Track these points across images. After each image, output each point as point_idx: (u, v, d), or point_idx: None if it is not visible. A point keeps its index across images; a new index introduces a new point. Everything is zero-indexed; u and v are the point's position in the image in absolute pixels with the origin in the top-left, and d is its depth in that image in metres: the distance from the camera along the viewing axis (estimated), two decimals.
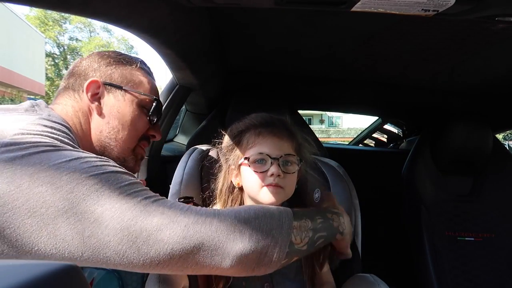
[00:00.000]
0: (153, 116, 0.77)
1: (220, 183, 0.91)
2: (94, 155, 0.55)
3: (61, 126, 0.61)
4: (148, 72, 0.79)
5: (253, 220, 0.57)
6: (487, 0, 0.56)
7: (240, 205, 0.89)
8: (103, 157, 0.56)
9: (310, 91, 1.67)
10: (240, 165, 0.84)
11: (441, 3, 0.56)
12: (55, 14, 18.41)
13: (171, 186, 1.00)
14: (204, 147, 1.18)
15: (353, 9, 0.60)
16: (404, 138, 2.25)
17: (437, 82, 1.43)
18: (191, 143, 1.24)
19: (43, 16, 18.64)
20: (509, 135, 11.85)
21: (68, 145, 0.56)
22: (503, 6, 0.60)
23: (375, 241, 1.47)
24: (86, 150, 0.66)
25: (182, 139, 1.67)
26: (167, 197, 0.99)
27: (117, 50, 0.80)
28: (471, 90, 1.50)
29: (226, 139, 0.92)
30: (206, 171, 1.09)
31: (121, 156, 0.73)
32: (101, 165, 0.52)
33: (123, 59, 0.75)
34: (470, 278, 1.46)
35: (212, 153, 1.17)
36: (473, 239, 1.52)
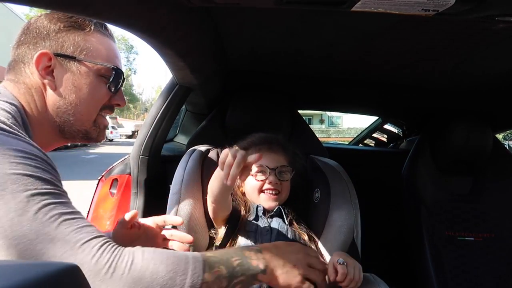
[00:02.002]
0: (114, 85, 0.72)
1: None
2: (23, 152, 0.50)
3: (10, 105, 0.58)
4: (105, 35, 0.73)
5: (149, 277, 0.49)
6: (487, 0, 0.56)
7: (243, 206, 1.01)
8: (36, 157, 0.51)
9: (310, 91, 1.67)
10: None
11: (441, 3, 0.56)
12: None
13: (171, 186, 1.00)
14: (204, 147, 1.18)
15: (353, 9, 0.60)
16: (404, 138, 2.25)
17: (437, 82, 1.43)
18: (191, 143, 1.24)
19: None
20: (509, 135, 11.85)
21: (11, 127, 0.53)
22: (503, 6, 0.60)
23: (375, 241, 1.47)
24: (45, 129, 0.67)
25: (182, 139, 1.67)
26: (167, 197, 1.00)
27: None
28: (471, 90, 1.50)
29: None
30: (207, 171, 1.09)
31: (82, 129, 0.70)
32: (19, 163, 0.48)
33: (74, 23, 0.67)
34: (470, 278, 1.46)
35: (212, 154, 1.17)
36: (473, 239, 1.52)
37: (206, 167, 1.10)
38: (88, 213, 1.24)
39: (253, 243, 0.92)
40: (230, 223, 0.95)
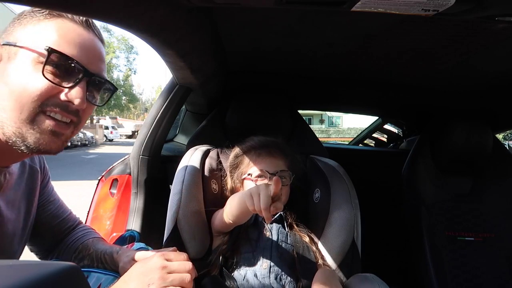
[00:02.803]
0: (53, 73, 0.58)
1: (229, 193, 1.08)
2: None
3: None
4: (68, 18, 0.61)
5: None
6: (487, 0, 0.56)
7: None
8: None
9: (310, 91, 1.67)
10: (243, 179, 1.05)
11: (441, 3, 0.56)
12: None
13: (172, 186, 1.00)
14: (204, 147, 1.18)
15: (353, 9, 0.60)
16: (404, 138, 2.25)
17: (437, 82, 1.43)
18: (191, 143, 1.24)
19: None
20: (509, 135, 11.85)
21: None
22: (503, 6, 0.59)
23: (375, 241, 1.47)
24: None
25: (182, 139, 1.67)
26: (167, 197, 1.00)
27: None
28: (471, 90, 1.50)
29: (231, 158, 1.11)
30: (207, 171, 1.09)
31: (17, 131, 0.58)
32: None
33: (36, 11, 0.60)
34: (470, 278, 1.46)
35: (213, 154, 1.17)
36: (473, 239, 1.52)
37: (206, 167, 1.10)
38: (88, 213, 1.24)
39: (253, 251, 0.92)
40: (233, 231, 0.95)
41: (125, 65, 28.37)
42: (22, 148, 0.60)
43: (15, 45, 0.58)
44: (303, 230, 1.02)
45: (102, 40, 0.68)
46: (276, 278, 0.87)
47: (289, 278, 0.88)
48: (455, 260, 1.48)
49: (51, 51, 0.57)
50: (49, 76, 0.58)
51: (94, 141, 18.51)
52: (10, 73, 0.58)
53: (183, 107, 1.65)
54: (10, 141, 0.59)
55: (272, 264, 0.89)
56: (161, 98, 1.24)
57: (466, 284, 1.45)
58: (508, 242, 1.51)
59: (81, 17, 0.63)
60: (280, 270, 0.89)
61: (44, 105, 0.59)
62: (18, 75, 0.58)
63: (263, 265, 0.89)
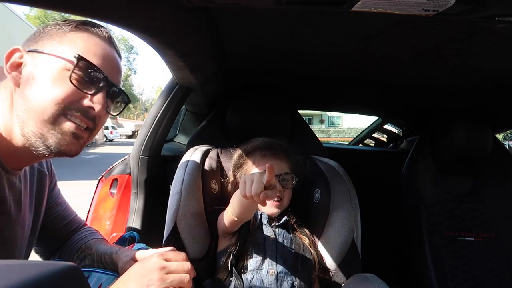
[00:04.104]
0: (79, 80, 0.62)
1: (231, 192, 1.05)
2: None
3: None
4: (93, 33, 0.66)
5: None
6: (487, 0, 0.56)
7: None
8: None
9: (310, 91, 1.67)
10: None
11: (441, 3, 0.56)
12: (55, 14, 18.37)
13: (172, 186, 1.00)
14: (204, 147, 1.18)
15: (353, 9, 0.60)
16: (404, 138, 2.25)
17: (437, 82, 1.43)
18: (191, 143, 1.24)
19: (43, 16, 18.62)
20: (509, 135, 11.85)
21: None
22: (503, 6, 0.59)
23: (375, 241, 1.47)
24: (7, 135, 0.61)
25: (182, 139, 1.67)
26: (167, 197, 1.00)
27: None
28: (471, 90, 1.50)
29: (235, 158, 1.10)
30: (207, 171, 1.09)
31: (37, 132, 0.61)
32: None
33: (62, 24, 0.65)
34: (470, 278, 1.46)
35: (213, 154, 1.17)
36: (473, 239, 1.52)
37: (206, 167, 1.10)
38: (88, 213, 1.24)
39: (260, 256, 0.93)
40: (241, 232, 0.96)
41: (125, 65, 28.41)
42: (41, 149, 0.62)
43: (42, 52, 0.62)
44: (304, 232, 1.02)
45: (120, 55, 0.73)
46: (281, 287, 0.89)
47: (292, 284, 0.90)
48: (455, 260, 1.48)
49: (80, 58, 0.62)
50: (75, 82, 0.62)
51: (94, 141, 18.52)
52: (36, 77, 0.61)
53: (183, 107, 1.65)
54: (29, 142, 0.62)
55: (278, 271, 0.91)
56: (161, 98, 1.24)
57: (466, 284, 1.45)
58: (508, 242, 1.51)
59: (104, 33, 0.68)
60: (285, 277, 0.91)
61: (66, 109, 0.62)
62: (44, 79, 0.61)
63: (269, 271, 0.91)
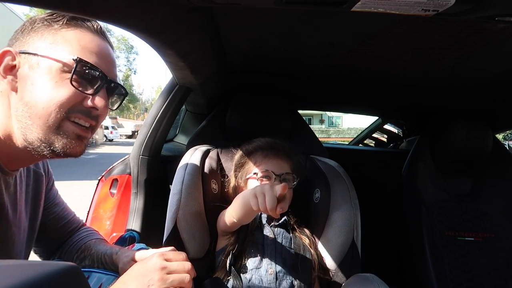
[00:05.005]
0: (79, 82, 0.61)
1: (231, 192, 1.09)
2: None
3: None
4: (87, 29, 0.64)
5: None
6: (487, 0, 0.56)
7: None
8: None
9: (310, 91, 1.67)
10: (247, 178, 1.04)
11: (441, 3, 0.56)
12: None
13: (172, 186, 1.00)
14: (204, 147, 1.18)
15: (353, 9, 0.60)
16: (404, 138, 2.25)
17: (437, 82, 1.43)
18: (191, 143, 1.24)
19: None
20: (509, 135, 11.86)
21: None
22: (503, 6, 0.59)
23: (375, 241, 1.47)
24: (6, 138, 0.60)
25: (182, 139, 1.67)
26: (167, 197, 1.00)
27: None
28: (471, 90, 1.50)
29: (237, 158, 1.11)
30: (207, 171, 1.09)
31: (43, 137, 0.60)
32: None
33: (50, 20, 0.62)
34: (470, 278, 1.46)
35: (213, 154, 1.17)
36: (473, 239, 1.52)
37: (206, 167, 1.10)
38: (88, 213, 1.24)
39: (259, 255, 0.93)
40: (240, 231, 0.96)
41: (125, 65, 28.39)
42: (46, 152, 0.62)
43: (36, 55, 0.60)
44: (304, 232, 1.02)
45: (112, 46, 0.71)
46: (280, 286, 0.89)
47: (291, 284, 0.90)
48: (455, 260, 1.48)
49: (79, 61, 0.61)
50: (76, 84, 0.61)
51: (94, 141, 18.49)
52: (34, 82, 0.60)
53: (183, 107, 1.65)
54: (31, 146, 0.61)
55: (277, 270, 0.91)
56: (161, 98, 1.24)
57: (466, 284, 1.45)
58: (508, 242, 1.51)
59: (95, 26, 0.66)
60: (284, 277, 0.91)
61: (69, 112, 0.62)
62: (44, 84, 0.60)
63: (268, 271, 0.90)
